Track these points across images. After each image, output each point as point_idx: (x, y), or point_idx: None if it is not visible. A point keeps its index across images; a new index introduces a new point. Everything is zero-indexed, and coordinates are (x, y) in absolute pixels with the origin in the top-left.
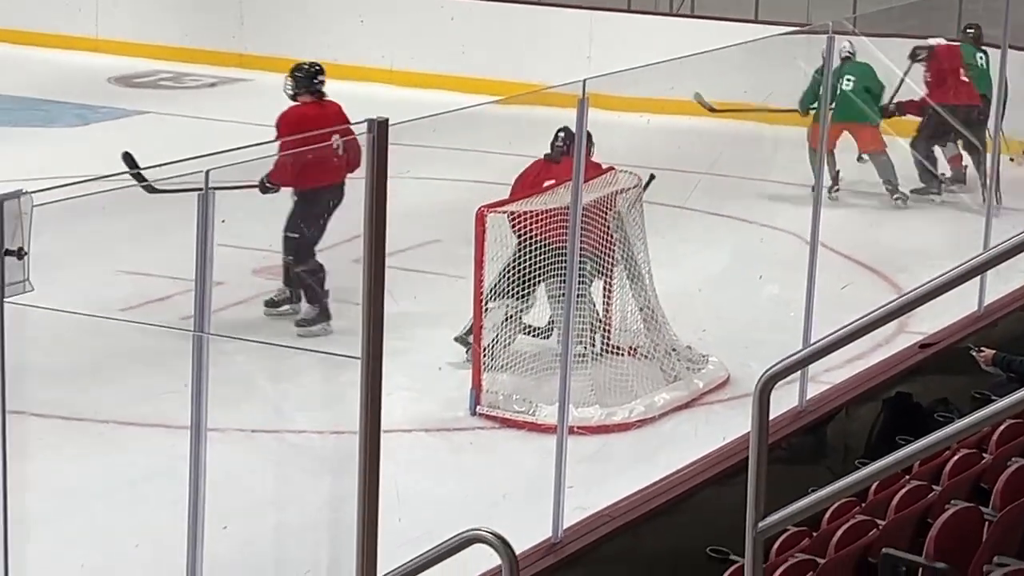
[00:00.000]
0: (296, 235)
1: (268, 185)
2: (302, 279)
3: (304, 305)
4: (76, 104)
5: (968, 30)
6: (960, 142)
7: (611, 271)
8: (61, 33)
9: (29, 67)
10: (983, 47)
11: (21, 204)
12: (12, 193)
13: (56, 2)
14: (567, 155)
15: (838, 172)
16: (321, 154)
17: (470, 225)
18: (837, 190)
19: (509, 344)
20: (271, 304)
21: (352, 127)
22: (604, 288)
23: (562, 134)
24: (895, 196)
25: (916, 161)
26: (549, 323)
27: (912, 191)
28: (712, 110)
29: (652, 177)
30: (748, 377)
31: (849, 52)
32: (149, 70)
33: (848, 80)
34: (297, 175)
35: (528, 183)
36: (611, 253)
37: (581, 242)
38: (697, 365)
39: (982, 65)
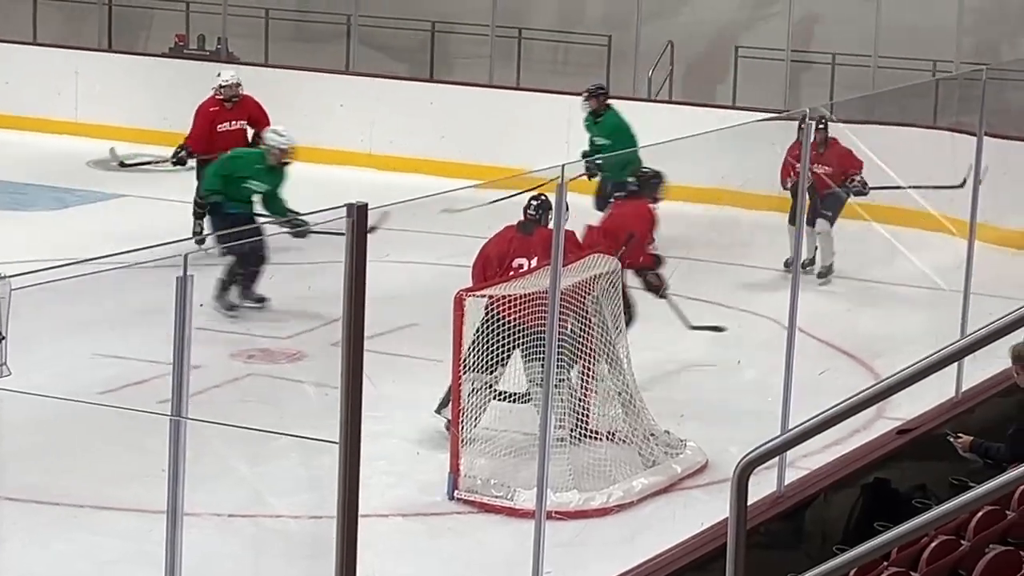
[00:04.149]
0: None
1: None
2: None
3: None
4: (54, 187)
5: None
6: None
7: (589, 356)
8: (40, 116)
9: (7, 150)
10: None
11: None
12: None
13: (35, 85)
14: (539, 226)
15: None
16: None
17: (448, 308)
18: None
19: (480, 416)
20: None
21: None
22: (582, 372)
23: (535, 203)
24: None
25: None
26: (527, 391)
27: None
28: (123, 164)
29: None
30: (726, 462)
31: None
32: (128, 154)
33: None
34: None
35: (495, 255)
36: (589, 337)
37: (560, 326)
38: (675, 450)
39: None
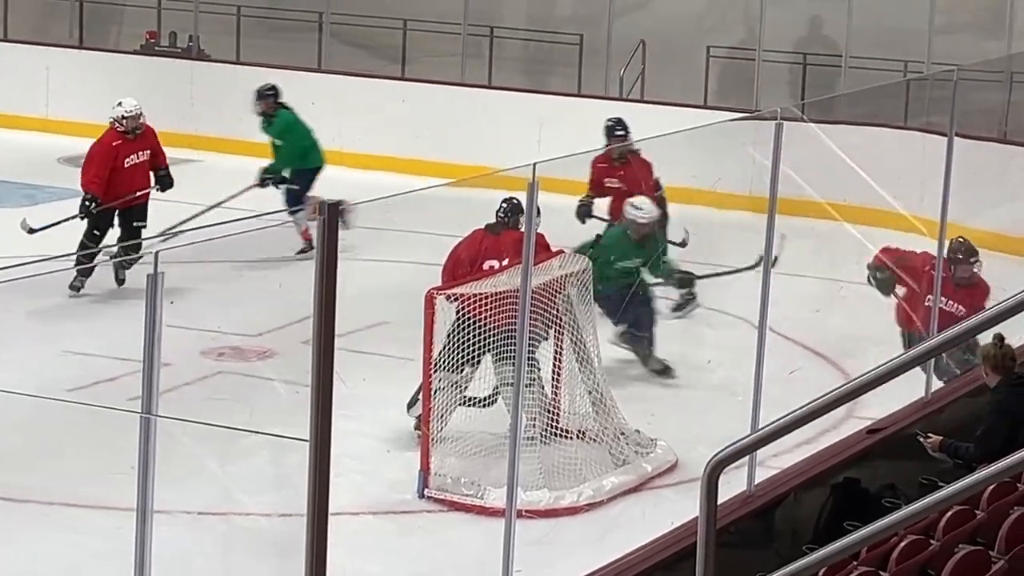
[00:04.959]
0: None
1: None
2: None
3: None
4: (24, 184)
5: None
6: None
7: (560, 354)
8: (11, 113)
9: None
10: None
11: None
12: None
13: (6, 82)
14: (508, 228)
15: None
16: None
17: (419, 307)
18: None
19: (447, 416)
20: None
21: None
22: (553, 371)
23: (505, 205)
24: None
25: None
26: (493, 392)
27: None
28: (31, 231)
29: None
30: (696, 461)
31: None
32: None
33: None
34: None
35: (466, 256)
36: (560, 336)
37: (531, 325)
38: (645, 449)
39: None
